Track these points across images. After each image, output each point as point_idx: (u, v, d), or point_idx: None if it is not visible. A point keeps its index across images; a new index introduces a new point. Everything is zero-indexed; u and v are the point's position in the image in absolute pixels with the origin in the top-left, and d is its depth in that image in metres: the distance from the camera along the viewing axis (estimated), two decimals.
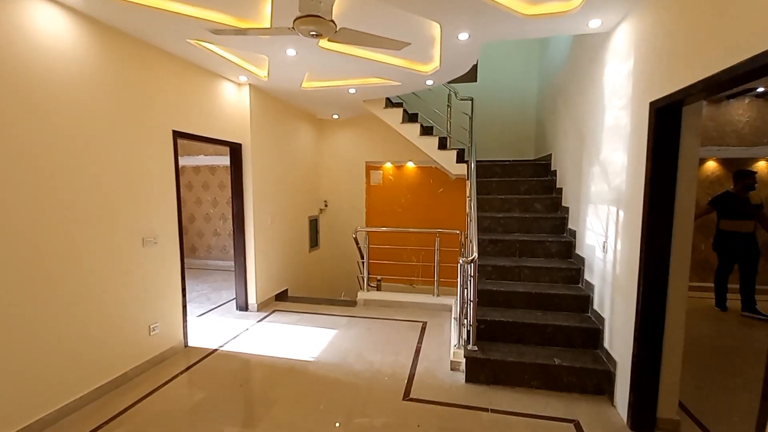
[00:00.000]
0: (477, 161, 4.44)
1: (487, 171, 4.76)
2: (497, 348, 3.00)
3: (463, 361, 3.00)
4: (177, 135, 3.42)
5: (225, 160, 7.00)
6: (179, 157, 6.88)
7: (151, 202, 3.14)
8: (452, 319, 4.02)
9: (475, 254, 2.87)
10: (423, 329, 4.04)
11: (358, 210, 6.58)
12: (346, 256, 6.67)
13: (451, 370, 3.12)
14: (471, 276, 2.94)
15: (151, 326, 3.17)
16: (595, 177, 3.09)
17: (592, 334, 2.96)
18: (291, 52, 3.33)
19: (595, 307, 3.06)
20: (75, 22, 2.49)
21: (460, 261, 2.98)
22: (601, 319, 2.92)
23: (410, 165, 6.45)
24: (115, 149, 2.81)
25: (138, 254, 3.02)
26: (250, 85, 4.33)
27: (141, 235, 3.05)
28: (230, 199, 7.27)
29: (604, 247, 2.86)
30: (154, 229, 3.16)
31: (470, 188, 4.02)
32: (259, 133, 4.58)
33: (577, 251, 3.55)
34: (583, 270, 3.35)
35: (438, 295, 4.73)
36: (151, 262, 3.16)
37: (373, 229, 5.42)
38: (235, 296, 4.69)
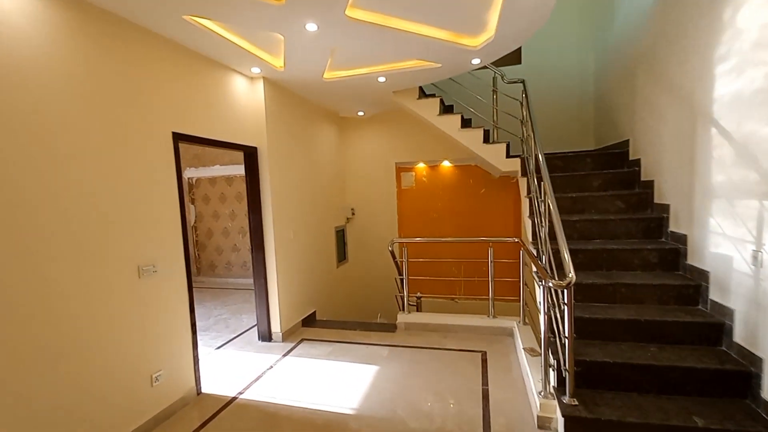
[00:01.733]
0: (527, 155, 3.67)
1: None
2: (604, 400, 2.21)
3: (558, 418, 2.22)
4: (178, 138, 2.82)
5: (242, 170, 6.46)
6: (193, 169, 6.34)
7: (148, 221, 2.53)
8: (521, 351, 3.24)
9: (572, 275, 2.10)
10: (484, 363, 3.28)
11: (389, 217, 5.88)
12: (378, 270, 5.97)
13: (540, 429, 2.34)
14: (565, 303, 2.18)
15: (154, 375, 2.54)
16: (727, 161, 2.27)
17: (740, 379, 2.13)
18: (311, 26, 2.67)
19: (738, 340, 2.23)
20: None
21: (550, 284, 2.23)
22: (753, 358, 2.10)
23: (446, 164, 5.71)
24: (98, 159, 2.21)
25: (133, 288, 2.41)
26: (264, 78, 3.71)
27: (136, 264, 2.43)
28: None
29: (756, 258, 2.04)
30: (152, 255, 2.55)
31: (533, 186, 3.25)
32: (276, 135, 3.96)
33: (690, 261, 2.72)
34: (706, 287, 2.52)
35: (494, 316, 3.95)
36: (151, 295, 2.54)
37: (413, 240, 4.70)
38: (256, 322, 4.06)
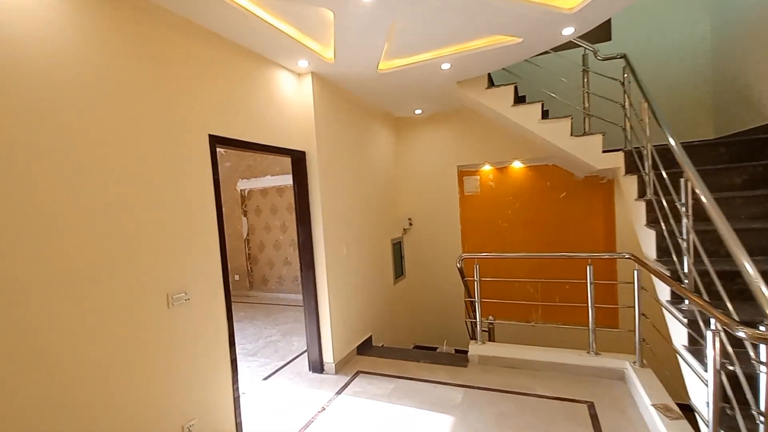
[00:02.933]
0: (636, 147, 2.83)
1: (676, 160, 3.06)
2: None
3: None
4: (216, 142, 2.43)
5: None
6: (245, 180, 6.14)
7: (180, 241, 2.14)
8: (647, 407, 2.41)
9: None
10: (594, 420, 2.49)
11: (450, 227, 5.21)
12: (439, 288, 5.31)
13: None
14: (763, 362, 1.39)
15: (187, 426, 2.12)
16: None
17: None
18: None
19: None
20: None
21: (741, 334, 1.45)
22: None
23: (516, 165, 4.95)
24: (120, 166, 1.85)
25: (160, 320, 2.01)
26: (312, 73, 3.29)
27: (165, 291, 2.04)
28: None
29: None
30: (184, 280, 2.15)
31: (649, 186, 2.44)
32: (326, 138, 3.52)
33: None
34: None
35: (596, 352, 3.12)
36: (183, 328, 2.13)
37: (488, 256, 3.96)
38: (306, 348, 3.59)
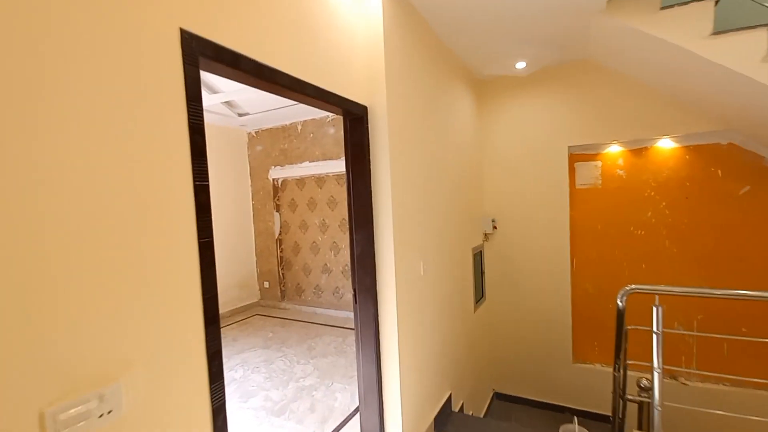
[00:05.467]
0: None
1: None
2: None
3: None
4: (199, 49, 1.13)
5: (336, 166, 4.91)
6: (278, 168, 4.94)
7: (101, 266, 0.85)
8: None
9: None
10: None
11: (552, 233, 3.70)
12: (534, 314, 3.82)
13: None
14: None
15: None
16: None
17: None
18: None
19: None
20: None
21: None
22: None
23: (664, 145, 3.36)
24: None
25: None
26: None
27: (37, 407, 0.76)
28: (344, 222, 5.16)
29: None
30: (106, 359, 0.87)
31: None
32: (400, 91, 2.17)
33: None
34: None
35: None
36: None
37: (686, 291, 2.36)
38: (358, 409, 2.29)
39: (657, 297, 2.05)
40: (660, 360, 1.97)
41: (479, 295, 3.77)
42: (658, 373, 1.97)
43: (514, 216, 3.88)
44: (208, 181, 1.14)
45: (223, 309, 5.23)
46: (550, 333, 3.74)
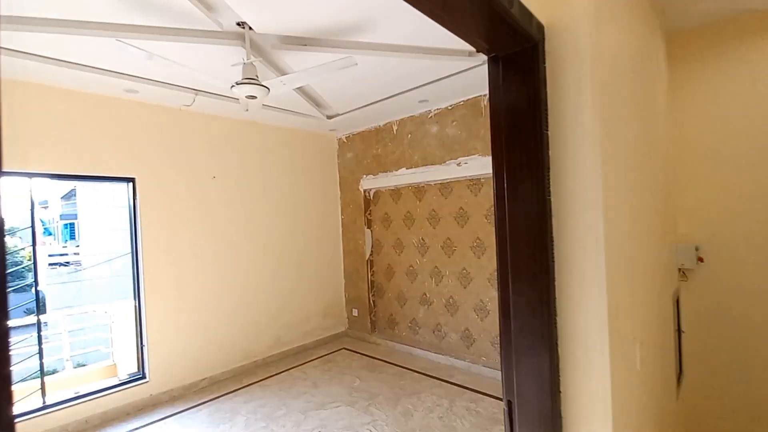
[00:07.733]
0: None
1: None
2: None
3: None
4: None
5: (438, 173, 3.90)
6: (371, 177, 4.17)
7: None
8: None
9: None
10: None
11: None
12: None
13: None
14: None
15: None
16: None
17: None
18: None
19: None
20: None
21: None
22: None
23: None
24: None
25: None
26: None
27: None
28: (449, 243, 4.09)
29: None
30: None
31: None
32: (608, 6, 1.06)
33: None
34: None
35: None
36: None
37: None
38: None
39: None
40: None
41: (677, 368, 2.33)
42: None
43: (738, 241, 2.37)
44: None
45: (305, 340, 4.57)
46: None
